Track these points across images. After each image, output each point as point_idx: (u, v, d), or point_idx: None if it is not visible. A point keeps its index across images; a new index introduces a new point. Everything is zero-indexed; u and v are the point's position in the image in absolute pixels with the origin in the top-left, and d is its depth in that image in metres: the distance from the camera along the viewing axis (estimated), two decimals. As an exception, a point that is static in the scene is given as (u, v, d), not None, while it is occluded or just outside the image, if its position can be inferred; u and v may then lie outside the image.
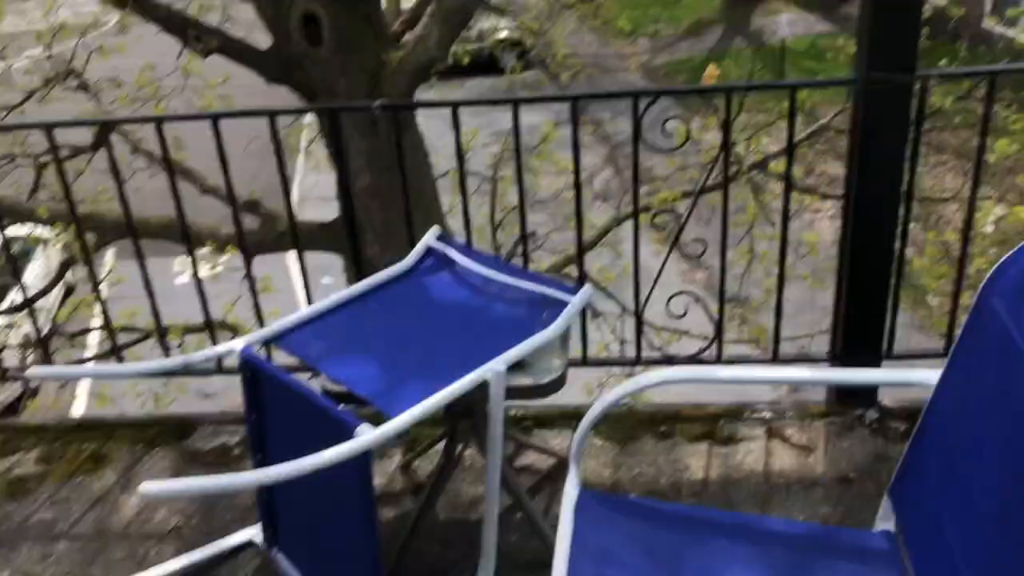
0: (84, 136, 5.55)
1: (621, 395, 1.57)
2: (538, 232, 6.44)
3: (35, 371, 1.98)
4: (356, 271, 2.68)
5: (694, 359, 2.55)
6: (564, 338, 2.00)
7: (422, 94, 6.57)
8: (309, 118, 7.19)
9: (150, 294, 2.62)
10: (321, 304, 2.13)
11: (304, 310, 2.13)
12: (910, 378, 1.60)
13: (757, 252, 4.69)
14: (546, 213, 7.15)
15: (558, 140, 6.68)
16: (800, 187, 5.33)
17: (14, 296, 6.81)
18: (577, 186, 2.53)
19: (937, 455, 1.44)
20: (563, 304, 2.00)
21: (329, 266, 5.26)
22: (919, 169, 2.24)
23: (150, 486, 1.50)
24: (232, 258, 4.99)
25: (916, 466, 1.50)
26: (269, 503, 2.12)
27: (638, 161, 2.44)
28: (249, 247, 3.82)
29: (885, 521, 1.59)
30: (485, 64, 11.19)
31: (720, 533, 1.56)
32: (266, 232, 4.94)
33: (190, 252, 2.68)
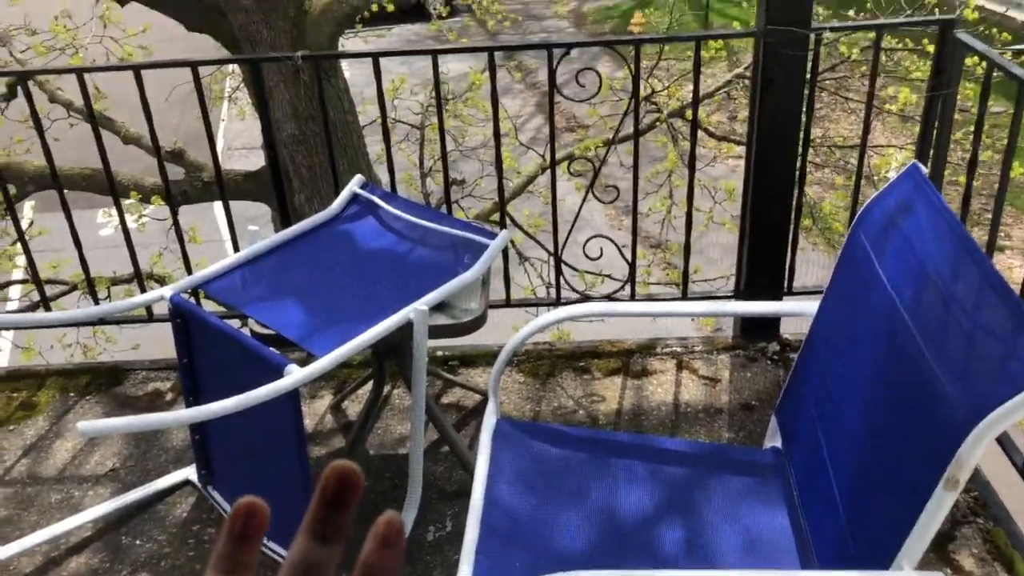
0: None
1: (532, 330, 1.69)
2: (467, 179, 6.52)
3: (-36, 320, 2.01)
4: (283, 219, 2.73)
5: (608, 298, 2.69)
6: (484, 280, 2.11)
7: (348, 41, 6.50)
8: (233, 65, 7.08)
9: (77, 244, 2.64)
10: (248, 251, 2.19)
11: (231, 257, 2.19)
12: (798, 309, 1.77)
13: (677, 199, 4.85)
14: (477, 160, 7.20)
15: (487, 88, 6.70)
16: (717, 134, 5.49)
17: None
18: (496, 135, 2.63)
19: (814, 376, 1.60)
20: (484, 247, 2.10)
21: (257, 215, 5.26)
22: (831, 115, 2.40)
23: (87, 425, 1.58)
24: (157, 209, 4.96)
25: (796, 387, 1.66)
26: (203, 443, 2.20)
27: (553, 110, 2.54)
28: (175, 197, 3.81)
29: (772, 439, 1.76)
30: (413, 9, 11.08)
31: (623, 453, 1.71)
32: (191, 182, 4.90)
33: (116, 202, 2.70)
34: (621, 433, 1.78)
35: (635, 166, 2.49)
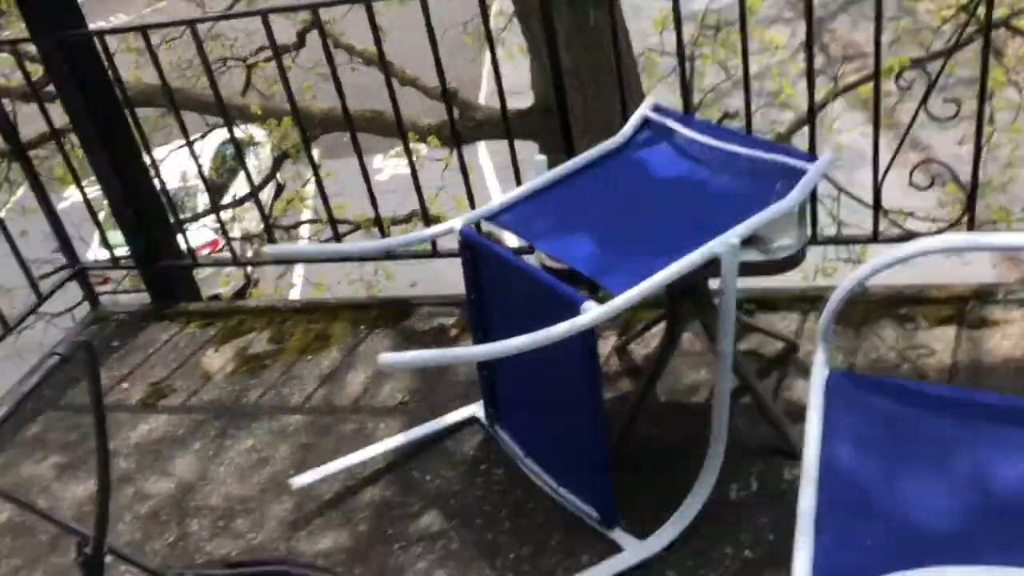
0: (287, 35, 5.76)
1: (883, 264, 1.41)
2: (739, 113, 6.11)
3: (272, 249, 2.06)
4: (568, 152, 2.60)
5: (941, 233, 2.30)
6: (801, 210, 1.84)
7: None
8: (498, 5, 7.09)
9: (367, 181, 2.68)
10: (536, 182, 2.07)
11: (518, 189, 2.08)
12: None
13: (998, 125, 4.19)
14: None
15: (758, 15, 6.26)
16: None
17: (235, 192, 7.36)
18: (809, 55, 2.31)
19: None
20: (798, 173, 1.82)
21: (522, 158, 5.26)
22: None
23: (389, 357, 1.52)
24: (430, 151, 5.07)
25: None
26: (491, 380, 2.13)
27: (882, 10, 2.17)
28: (451, 136, 3.82)
29: None
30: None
31: (993, 417, 1.40)
32: (464, 123, 4.94)
33: (404, 141, 2.71)
34: (989, 392, 1.47)
35: (984, 63, 2.06)
